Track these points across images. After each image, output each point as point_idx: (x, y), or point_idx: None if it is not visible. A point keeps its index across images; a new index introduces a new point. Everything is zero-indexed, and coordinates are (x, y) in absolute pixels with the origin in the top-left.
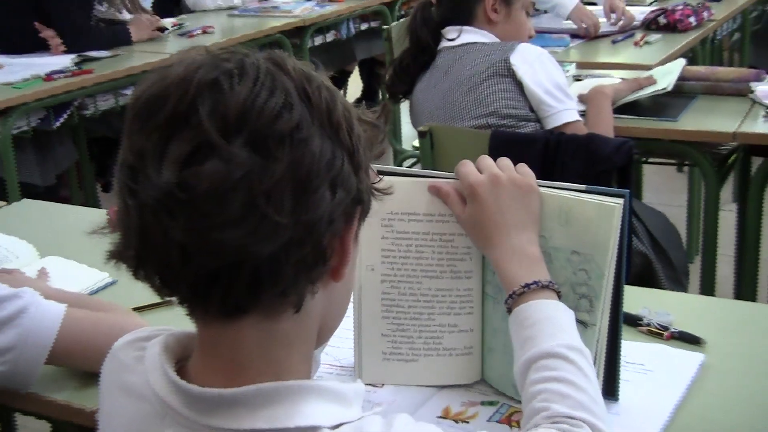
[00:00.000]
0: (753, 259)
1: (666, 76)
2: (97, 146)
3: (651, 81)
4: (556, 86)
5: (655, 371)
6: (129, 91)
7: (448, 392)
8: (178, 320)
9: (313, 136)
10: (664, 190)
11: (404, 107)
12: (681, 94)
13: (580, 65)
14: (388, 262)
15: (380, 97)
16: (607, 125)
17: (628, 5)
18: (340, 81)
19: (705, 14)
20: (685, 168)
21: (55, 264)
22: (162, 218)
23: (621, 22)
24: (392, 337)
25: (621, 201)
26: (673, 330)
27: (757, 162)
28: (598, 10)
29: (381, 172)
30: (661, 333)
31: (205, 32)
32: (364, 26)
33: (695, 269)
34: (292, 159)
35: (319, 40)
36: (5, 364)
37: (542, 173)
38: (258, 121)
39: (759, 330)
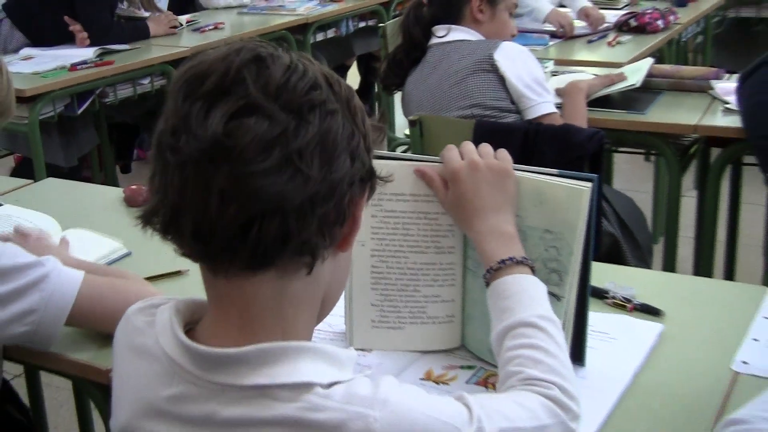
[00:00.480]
0: (710, 240)
1: (635, 74)
2: (116, 131)
3: (622, 77)
4: (535, 81)
5: (618, 339)
6: (146, 81)
7: (431, 357)
8: (186, 289)
9: (337, 113)
10: (632, 177)
11: (397, 98)
12: (648, 90)
13: (558, 62)
14: (377, 239)
15: (376, 89)
16: (581, 117)
17: (602, 8)
18: (340, 74)
19: (671, 18)
20: (652, 157)
21: (76, 235)
22: (205, 168)
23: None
24: (380, 306)
25: (590, 185)
26: (635, 302)
27: (715, 152)
28: (566, 10)
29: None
30: (625, 305)
31: (216, 28)
32: (362, 24)
33: (659, 249)
34: (321, 126)
35: (320, 37)
36: (29, 324)
37: (521, 159)
38: (293, 92)
39: (713, 303)
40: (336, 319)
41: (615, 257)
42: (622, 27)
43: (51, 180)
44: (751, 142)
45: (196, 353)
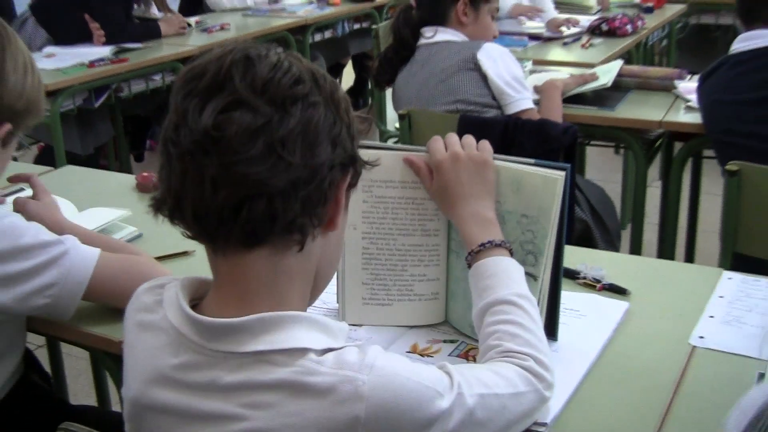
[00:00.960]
0: (673, 226)
1: (606, 74)
2: (131, 123)
3: (594, 77)
4: (514, 79)
5: (588, 316)
6: (158, 77)
7: (417, 331)
8: (191, 268)
9: (319, 104)
10: (603, 168)
11: (389, 94)
12: (618, 89)
13: (536, 62)
14: (368, 222)
15: (369, 85)
16: (557, 113)
17: (576, 14)
18: (336, 71)
19: (639, 23)
20: (621, 150)
21: (92, 215)
22: (199, 158)
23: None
24: (371, 285)
25: (563, 173)
26: (604, 283)
27: (678, 146)
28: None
29: (366, 146)
30: (595, 285)
31: (222, 29)
32: (356, 26)
33: (627, 234)
34: (303, 117)
35: (318, 37)
36: (49, 297)
37: (501, 151)
38: (278, 88)
39: (674, 283)
40: (330, 296)
41: (586, 241)
42: (594, 31)
43: (70, 167)
44: (710, 137)
45: (200, 324)
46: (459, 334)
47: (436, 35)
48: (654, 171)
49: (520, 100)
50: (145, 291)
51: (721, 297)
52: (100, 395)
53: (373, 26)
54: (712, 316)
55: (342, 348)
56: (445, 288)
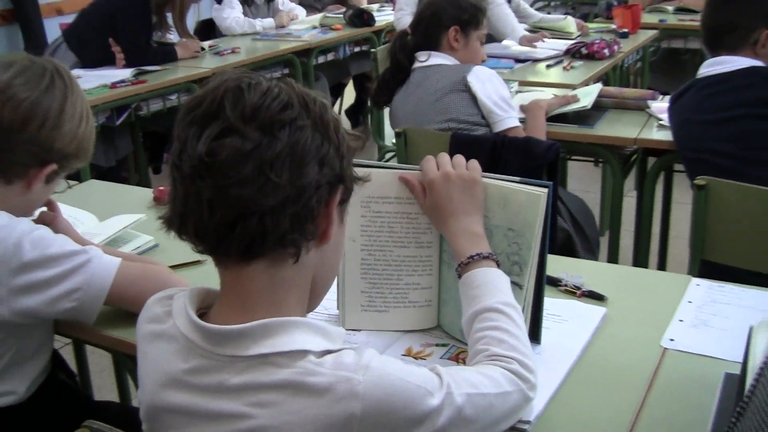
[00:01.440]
0: (647, 233)
1: (587, 97)
2: (149, 139)
3: (575, 99)
4: (501, 99)
5: (569, 321)
6: (174, 97)
7: (411, 336)
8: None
9: (307, 127)
10: (584, 180)
11: (386, 113)
12: (597, 108)
13: (522, 83)
14: (366, 235)
15: (368, 104)
16: (541, 131)
17: (557, 38)
18: (338, 90)
19: (616, 47)
20: (599, 164)
21: (111, 222)
22: (196, 181)
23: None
24: (369, 293)
25: (546, 190)
26: (583, 290)
27: (651, 161)
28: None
29: (364, 165)
30: (575, 292)
31: (233, 52)
32: (356, 49)
33: (605, 240)
34: (290, 140)
35: (321, 59)
36: (75, 301)
37: (490, 166)
38: (266, 114)
39: (648, 290)
40: (331, 303)
41: (568, 250)
42: (574, 54)
43: (93, 181)
44: (680, 153)
45: (207, 331)
46: (450, 338)
47: (430, 59)
48: (630, 183)
49: (507, 118)
50: (155, 302)
51: (690, 302)
52: (121, 391)
53: (372, 49)
54: (681, 320)
55: (339, 350)
56: (437, 296)
